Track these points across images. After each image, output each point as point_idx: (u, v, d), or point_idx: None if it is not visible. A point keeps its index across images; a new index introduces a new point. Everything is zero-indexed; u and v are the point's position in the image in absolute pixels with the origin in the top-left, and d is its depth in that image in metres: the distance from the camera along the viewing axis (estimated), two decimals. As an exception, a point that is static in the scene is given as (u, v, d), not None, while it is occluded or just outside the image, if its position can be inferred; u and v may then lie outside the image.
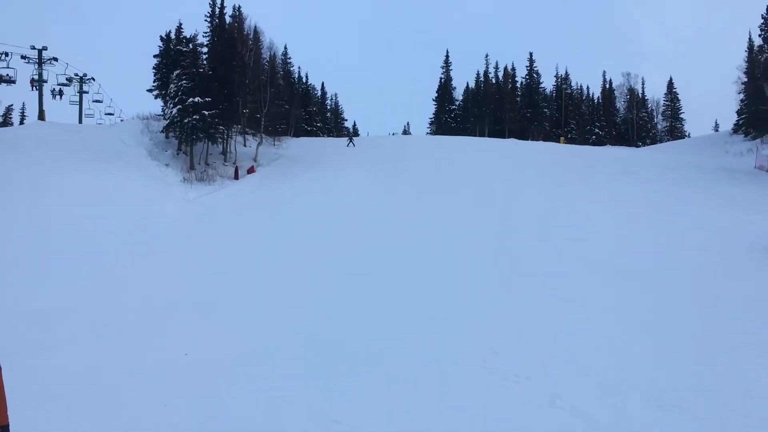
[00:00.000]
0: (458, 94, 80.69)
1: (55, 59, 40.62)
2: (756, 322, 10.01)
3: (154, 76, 41.05)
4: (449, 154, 40.16)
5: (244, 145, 46.34)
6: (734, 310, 10.74)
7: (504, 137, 67.16)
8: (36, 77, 39.58)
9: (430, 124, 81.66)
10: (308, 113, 71.49)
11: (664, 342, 9.00)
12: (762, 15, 47.17)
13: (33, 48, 39.72)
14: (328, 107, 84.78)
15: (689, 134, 74.24)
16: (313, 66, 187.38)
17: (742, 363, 8.10)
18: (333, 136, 79.24)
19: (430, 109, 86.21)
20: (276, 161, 41.60)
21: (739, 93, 49.54)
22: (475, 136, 71.08)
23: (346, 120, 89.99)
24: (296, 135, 63.22)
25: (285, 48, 70.33)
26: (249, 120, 45.37)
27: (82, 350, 9.45)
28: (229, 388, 7.48)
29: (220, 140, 39.37)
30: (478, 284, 12.67)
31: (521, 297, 11.86)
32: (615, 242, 17.03)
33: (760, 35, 47.62)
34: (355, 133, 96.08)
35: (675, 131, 75.29)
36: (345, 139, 51.15)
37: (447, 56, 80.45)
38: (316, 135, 72.51)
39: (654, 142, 71.97)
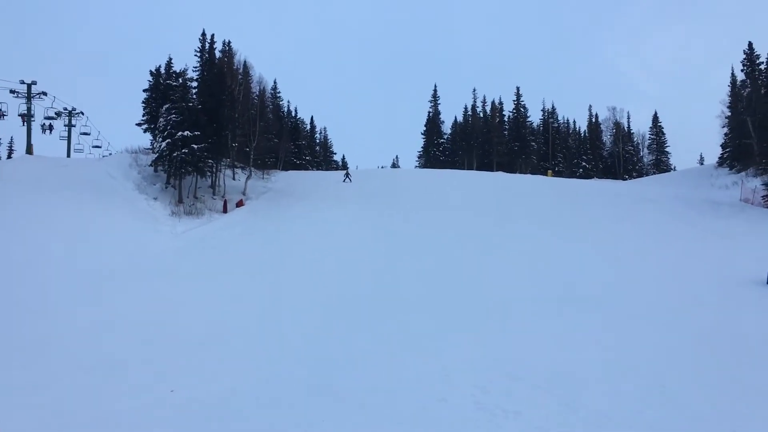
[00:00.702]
0: (446, 127, 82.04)
1: (45, 93, 40.82)
2: (746, 359, 10.14)
3: (144, 110, 41.29)
4: (438, 187, 40.51)
5: (233, 179, 46.02)
6: (728, 346, 10.86)
7: (492, 170, 68.03)
8: (24, 112, 39.74)
9: (419, 158, 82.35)
10: (297, 147, 71.81)
11: (652, 378, 9.08)
12: (744, 51, 48.91)
13: (22, 82, 39.97)
14: (317, 141, 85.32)
15: (675, 167, 75.58)
16: (302, 99, 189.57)
17: (735, 398, 8.20)
18: (322, 170, 79.54)
19: (419, 142, 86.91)
20: (265, 194, 41.48)
21: (723, 127, 50.61)
22: (464, 169, 71.87)
23: (335, 153, 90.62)
24: (285, 168, 63.18)
25: (274, 82, 71.55)
26: (238, 153, 45.28)
27: (65, 389, 9.32)
28: (214, 427, 7.42)
29: (209, 174, 39.35)
30: (464, 321, 12.68)
31: (510, 333, 12.01)
32: (602, 278, 17.14)
33: (742, 70, 49.09)
34: (344, 166, 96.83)
35: (661, 164, 76.58)
36: (335, 173, 51.43)
37: (435, 90, 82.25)
38: (305, 168, 72.68)
39: (640, 175, 73.15)
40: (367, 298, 15.22)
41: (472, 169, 71.94)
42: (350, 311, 13.98)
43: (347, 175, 46.35)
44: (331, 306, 14.53)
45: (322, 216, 31.54)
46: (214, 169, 40.51)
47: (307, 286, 16.82)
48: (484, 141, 74.26)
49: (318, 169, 78.43)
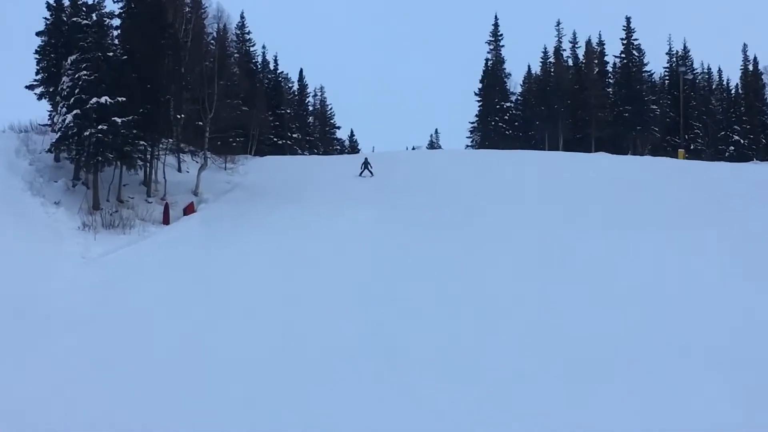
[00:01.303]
0: (514, 84, 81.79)
1: None
2: None
3: (38, 64, 41.07)
4: (501, 179, 40.82)
5: (179, 170, 46.35)
6: None
7: (589, 150, 66.86)
8: None
9: (472, 132, 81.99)
10: (278, 118, 71.89)
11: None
12: None
13: None
14: (310, 109, 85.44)
15: None
16: (288, 47, 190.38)
17: None
18: (318, 153, 79.64)
19: (471, 109, 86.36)
20: (229, 194, 41.36)
21: None
22: (543, 148, 71.36)
23: (338, 128, 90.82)
24: (260, 152, 63.24)
25: (242, 17, 70.81)
26: (186, 131, 45.34)
27: None
28: None
29: (140, 163, 39.27)
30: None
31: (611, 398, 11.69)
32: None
33: None
34: (352, 148, 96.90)
35: None
36: (339, 158, 51.53)
37: (496, 25, 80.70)
38: (292, 152, 72.77)
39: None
40: (391, 365, 14.69)
41: (556, 148, 71.46)
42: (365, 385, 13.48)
43: (366, 165, 45.99)
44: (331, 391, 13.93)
45: (318, 231, 31.14)
46: (150, 156, 40.37)
47: (289, 356, 16.24)
48: (576, 104, 73.86)
49: (312, 153, 78.56)
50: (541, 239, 27.55)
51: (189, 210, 37.33)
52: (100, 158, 35.44)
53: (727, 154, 70.75)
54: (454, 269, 23.81)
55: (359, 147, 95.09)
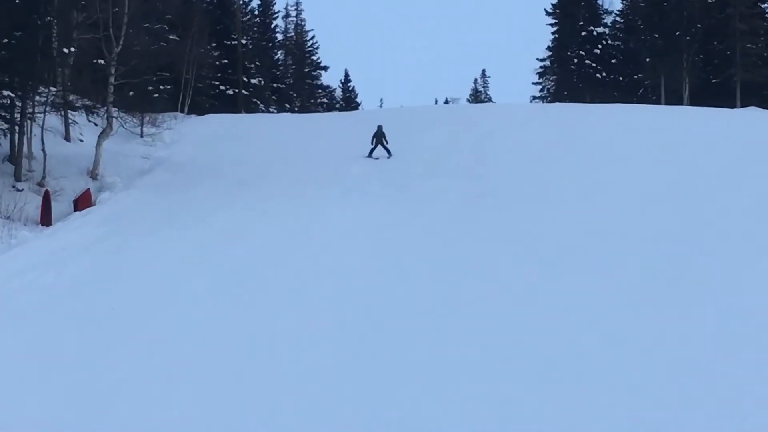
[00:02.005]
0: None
1: None
2: None
3: None
4: (585, 161, 40.27)
5: (67, 138, 46.23)
6: None
7: (732, 104, 66.14)
8: None
9: (542, 76, 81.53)
10: (228, 53, 71.66)
11: None
12: None
13: None
14: (279, 39, 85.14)
15: None
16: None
17: None
18: (293, 110, 79.04)
19: (539, 39, 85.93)
20: (147, 177, 41.32)
21: None
22: (658, 102, 70.98)
23: (324, 69, 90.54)
24: (197, 109, 62.82)
25: None
26: (78, 75, 45.37)
27: None
28: None
29: (2, 128, 39.33)
30: None
31: None
32: None
33: None
34: (350, 100, 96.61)
35: None
36: (323, 117, 50.90)
37: None
38: (250, 108, 72.44)
39: None
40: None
41: (679, 101, 71.36)
42: None
43: (380, 139, 44.31)
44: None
45: (290, 243, 30.90)
46: (19, 116, 40.11)
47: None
48: (711, 30, 73.81)
49: (283, 110, 78.01)
50: (655, 266, 26.78)
51: (83, 203, 36.79)
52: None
53: None
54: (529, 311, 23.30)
55: (358, 100, 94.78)
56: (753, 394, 16.44)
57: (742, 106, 64.84)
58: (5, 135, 39.73)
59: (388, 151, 44.07)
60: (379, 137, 44.46)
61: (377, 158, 43.49)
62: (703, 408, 15.84)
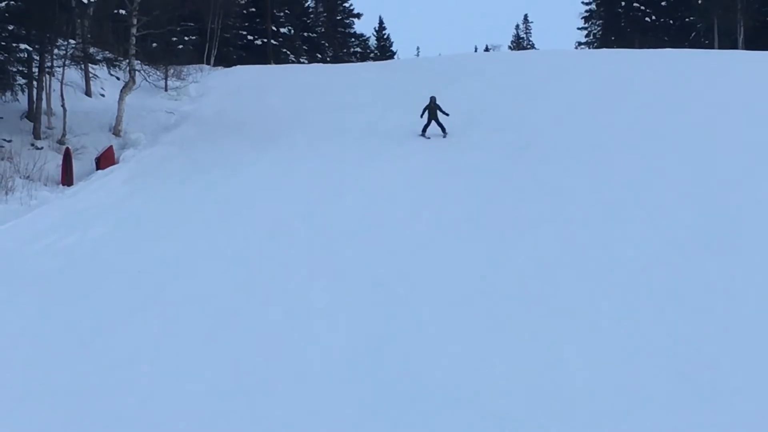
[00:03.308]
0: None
1: None
2: None
3: None
4: (640, 111, 39.90)
5: (87, 93, 46.14)
6: None
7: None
8: None
9: (587, 21, 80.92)
10: (256, 1, 71.34)
11: None
12: None
13: None
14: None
15: None
16: None
17: None
18: (325, 60, 78.76)
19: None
20: (173, 133, 41.32)
21: None
22: (710, 47, 69.88)
23: (357, 16, 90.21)
24: (225, 61, 62.61)
25: None
26: (98, 26, 45.21)
27: None
28: None
29: (20, 83, 38.94)
30: None
31: None
32: None
33: None
34: (385, 49, 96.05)
35: None
36: (356, 68, 50.54)
37: None
38: (280, 59, 72.22)
39: None
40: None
41: (734, 45, 70.92)
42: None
43: (434, 113, 41.28)
44: None
45: (327, 196, 30.57)
46: (37, 71, 40.09)
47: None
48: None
49: (314, 60, 77.75)
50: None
51: (106, 161, 36.73)
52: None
53: None
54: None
55: (393, 49, 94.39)
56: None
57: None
58: (23, 91, 39.59)
59: (443, 129, 39.32)
60: (432, 111, 39.71)
61: (429, 138, 39.23)
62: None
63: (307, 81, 50.85)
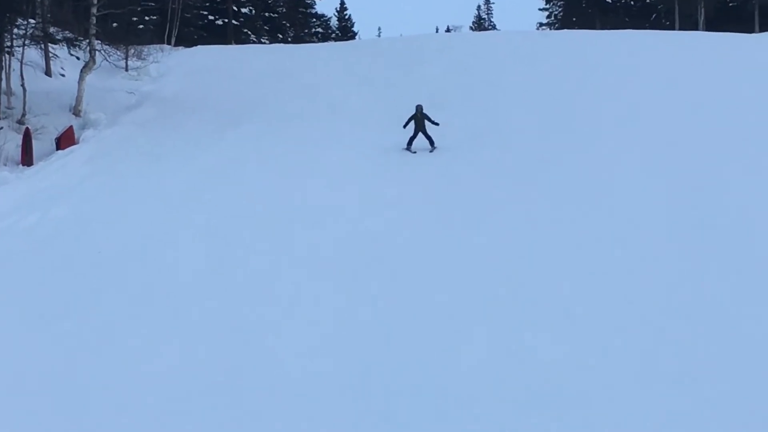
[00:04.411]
0: None
1: None
2: None
3: None
4: (600, 94, 40.33)
5: (47, 73, 45.89)
6: None
7: (750, 29, 65.72)
8: None
9: (548, 2, 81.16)
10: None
11: None
12: None
13: None
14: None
15: None
16: None
17: None
18: (286, 41, 78.67)
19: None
20: (134, 113, 41.00)
21: None
22: (671, 28, 70.28)
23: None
24: (186, 41, 62.38)
25: None
26: (59, 6, 45.15)
27: None
28: None
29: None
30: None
31: None
32: None
33: None
34: (346, 30, 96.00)
35: None
36: (317, 49, 50.47)
37: None
38: (241, 39, 72.09)
39: None
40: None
41: (694, 27, 71.19)
42: None
43: (418, 123, 34.33)
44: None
45: (288, 179, 30.48)
46: (-4, 48, 39.77)
47: None
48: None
49: (275, 41, 77.57)
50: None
51: (66, 141, 36.59)
52: None
53: None
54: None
55: (355, 29, 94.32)
56: None
57: (760, 31, 64.40)
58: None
59: (431, 141, 34.75)
60: (419, 122, 35.12)
61: (415, 152, 34.68)
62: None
63: (268, 61, 50.74)
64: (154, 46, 52.64)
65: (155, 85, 44.38)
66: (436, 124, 34.73)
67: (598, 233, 23.36)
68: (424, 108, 34.87)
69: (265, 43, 74.73)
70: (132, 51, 47.25)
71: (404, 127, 34.84)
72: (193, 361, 17.09)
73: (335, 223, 26.25)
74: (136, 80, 44.95)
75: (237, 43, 69.41)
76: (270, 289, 21.32)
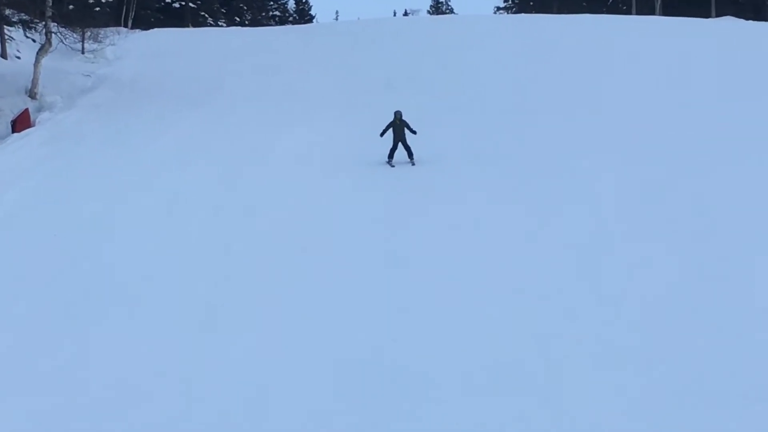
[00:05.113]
0: None
1: None
2: None
3: None
4: (557, 78, 40.09)
5: (2, 55, 45.55)
6: None
7: (707, 13, 66.03)
8: None
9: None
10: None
11: None
12: None
13: None
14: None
15: None
16: None
17: None
18: (243, 24, 78.47)
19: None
20: (90, 96, 40.80)
21: None
22: (629, 12, 70.48)
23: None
24: (142, 24, 62.15)
25: None
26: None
27: None
28: None
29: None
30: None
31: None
32: None
33: None
34: (304, 13, 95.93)
35: None
36: (274, 32, 50.30)
37: None
38: (198, 22, 71.80)
39: None
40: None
41: (651, 11, 71.94)
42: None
43: (397, 133, 33.07)
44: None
45: (248, 161, 30.41)
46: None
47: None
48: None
49: (232, 24, 77.44)
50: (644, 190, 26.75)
51: (21, 124, 36.30)
52: None
53: None
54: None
55: (312, 13, 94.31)
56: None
57: (717, 16, 64.86)
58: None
59: (410, 154, 31.20)
60: (398, 131, 31.39)
61: (394, 166, 31.19)
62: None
63: (225, 45, 50.63)
64: (111, 28, 52.33)
65: (112, 67, 44.14)
66: (414, 132, 31.08)
67: (557, 217, 23.44)
68: (402, 114, 30.96)
69: (222, 26, 74.48)
70: (88, 33, 46.90)
71: (381, 135, 31.14)
72: (141, 340, 17.06)
73: (287, 204, 26.41)
74: (93, 63, 44.69)
75: (194, 26, 69.26)
76: (211, 271, 21.47)
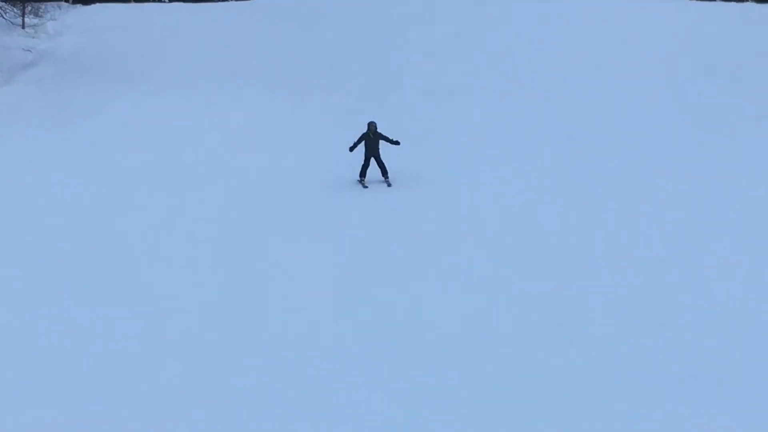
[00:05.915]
0: None
1: None
2: None
3: None
4: (511, 54, 40.65)
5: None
6: None
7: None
8: None
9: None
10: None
11: None
12: None
13: None
14: None
15: None
16: None
17: None
18: (184, 0, 78.24)
19: None
20: (30, 72, 40.62)
21: None
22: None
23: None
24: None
25: None
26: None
27: None
28: None
29: None
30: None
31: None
32: None
33: None
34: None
35: None
36: (218, 7, 50.17)
37: None
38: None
39: None
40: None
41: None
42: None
43: (371, 147, 28.63)
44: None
45: (187, 139, 30.57)
46: None
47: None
48: None
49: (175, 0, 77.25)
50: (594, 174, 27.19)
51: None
52: None
53: None
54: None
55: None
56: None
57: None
58: None
59: (384, 171, 28.63)
60: (372, 145, 28.50)
61: (367, 187, 28.50)
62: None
63: (168, 20, 50.20)
64: (52, 2, 51.74)
65: (53, 42, 43.75)
66: (396, 143, 28.44)
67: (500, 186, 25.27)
68: (378, 126, 28.19)
69: (164, 2, 73.97)
70: (28, 8, 46.37)
71: (351, 150, 28.35)
72: (75, 321, 17.99)
73: (230, 184, 27.14)
74: (33, 38, 44.20)
75: (136, 1, 68.72)
76: (140, 250, 22.36)
